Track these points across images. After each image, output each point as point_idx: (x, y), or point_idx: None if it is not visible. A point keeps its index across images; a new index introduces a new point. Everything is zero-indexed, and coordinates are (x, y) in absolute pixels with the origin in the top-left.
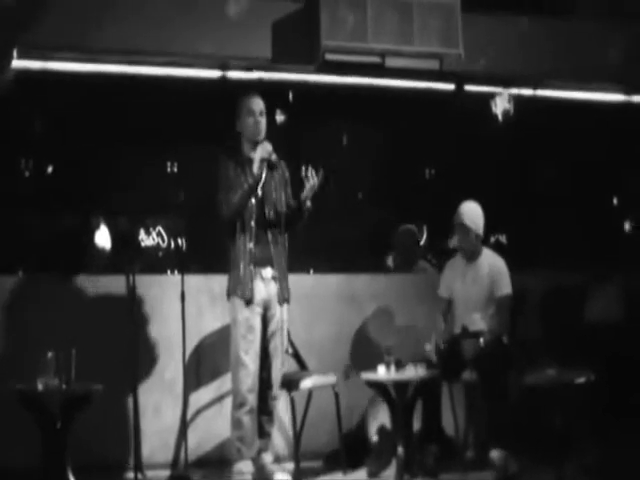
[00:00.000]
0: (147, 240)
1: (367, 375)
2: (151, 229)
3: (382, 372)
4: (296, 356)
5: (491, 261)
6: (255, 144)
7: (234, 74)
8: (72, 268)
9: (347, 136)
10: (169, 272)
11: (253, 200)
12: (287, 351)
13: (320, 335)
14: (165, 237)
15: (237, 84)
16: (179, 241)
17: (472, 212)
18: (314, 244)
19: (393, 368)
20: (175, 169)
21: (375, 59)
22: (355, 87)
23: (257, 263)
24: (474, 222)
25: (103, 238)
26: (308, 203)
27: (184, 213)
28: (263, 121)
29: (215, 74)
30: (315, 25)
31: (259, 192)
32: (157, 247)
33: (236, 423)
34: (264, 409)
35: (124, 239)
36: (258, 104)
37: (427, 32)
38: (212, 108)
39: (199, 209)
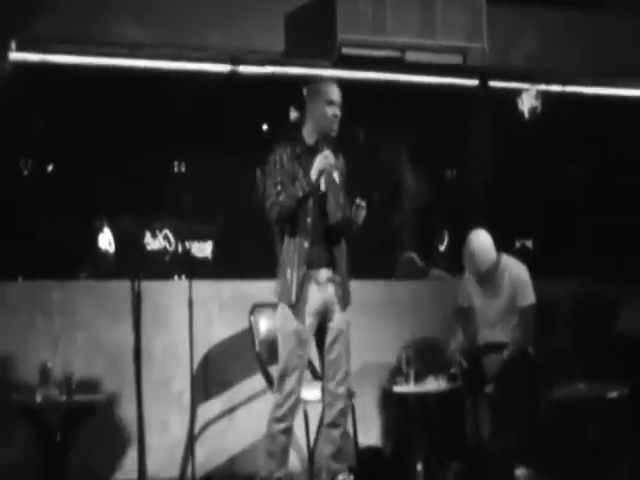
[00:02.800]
0: (153, 244)
1: (385, 387)
2: (157, 232)
3: (401, 384)
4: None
5: (511, 269)
6: (324, 138)
7: (245, 68)
8: (74, 273)
9: (364, 134)
10: (176, 278)
11: (311, 203)
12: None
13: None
14: (172, 240)
15: (248, 79)
16: (187, 245)
17: (483, 251)
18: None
19: (412, 380)
20: (183, 169)
21: (395, 53)
22: (373, 83)
23: (312, 265)
24: (489, 259)
25: (106, 241)
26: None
27: (192, 215)
28: (339, 114)
29: (225, 68)
30: (331, 17)
31: (321, 187)
32: (164, 251)
33: (270, 437)
34: (332, 423)
35: (128, 242)
36: (339, 95)
37: (450, 25)
38: (222, 104)
39: (208, 211)
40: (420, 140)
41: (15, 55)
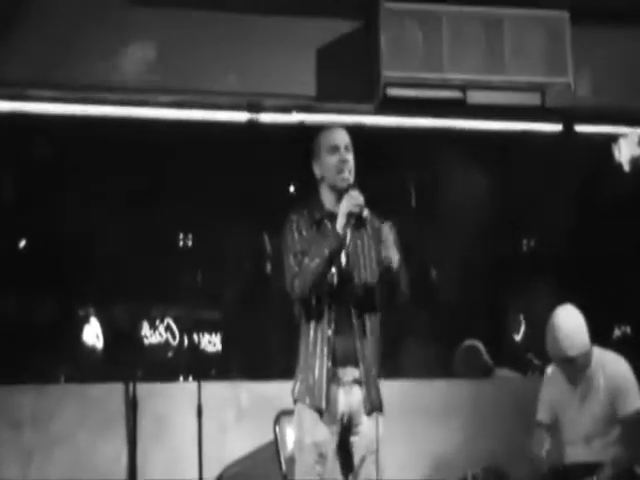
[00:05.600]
0: (152, 337)
1: None
2: (158, 322)
3: None
4: None
5: (609, 366)
6: (341, 193)
7: (267, 117)
8: (52, 376)
9: (416, 193)
10: (181, 378)
11: (333, 269)
12: None
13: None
14: (176, 332)
15: (271, 130)
16: (194, 337)
17: (572, 333)
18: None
19: None
20: (189, 242)
21: (453, 94)
22: (426, 131)
23: (337, 360)
24: (580, 344)
25: (93, 334)
26: (393, 262)
27: (200, 300)
28: (351, 159)
29: (241, 117)
30: (373, 51)
31: (342, 259)
32: (165, 345)
33: None
34: None
35: (122, 336)
36: (343, 137)
37: (523, 56)
38: (238, 161)
39: (220, 295)
40: (487, 200)
41: None
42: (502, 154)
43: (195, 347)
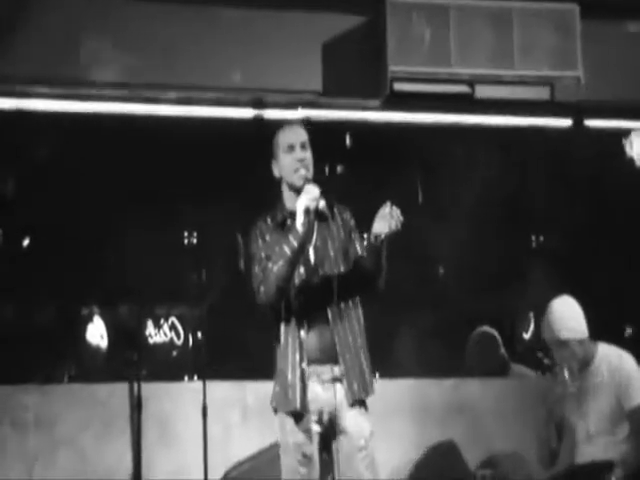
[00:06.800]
0: (157, 336)
1: None
2: (162, 321)
3: None
4: None
5: (613, 361)
6: (300, 192)
7: (272, 113)
8: (54, 375)
9: (423, 191)
10: (186, 378)
11: (302, 269)
12: None
13: (391, 461)
14: (181, 331)
15: (277, 126)
16: (199, 336)
17: (566, 318)
18: (379, 338)
19: None
20: (194, 239)
21: (462, 88)
22: (434, 126)
23: (313, 359)
24: (573, 329)
25: (97, 334)
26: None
27: (206, 299)
28: (308, 156)
29: (247, 113)
30: (380, 45)
31: (311, 255)
32: (170, 345)
33: None
34: None
35: (126, 335)
36: (298, 134)
37: (532, 50)
38: (243, 159)
39: (226, 293)
40: (495, 196)
41: None
42: (511, 149)
43: (200, 346)
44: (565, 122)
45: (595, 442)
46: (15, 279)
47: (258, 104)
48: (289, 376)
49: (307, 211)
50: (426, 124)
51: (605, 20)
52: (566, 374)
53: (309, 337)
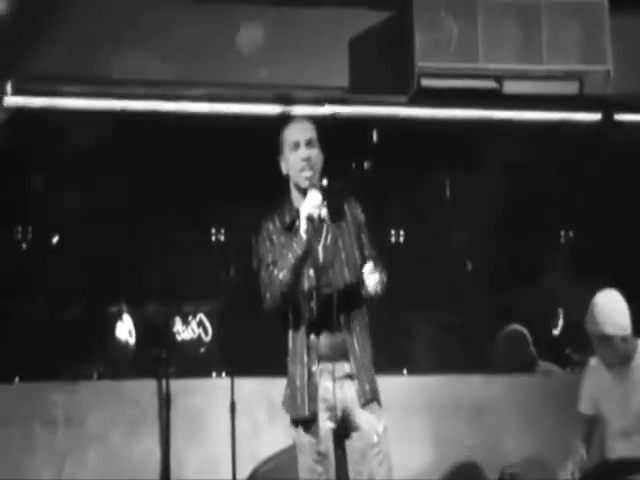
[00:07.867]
0: (185, 333)
1: None
2: (190, 318)
3: None
4: None
5: None
6: (305, 192)
7: (299, 109)
8: (85, 373)
9: (451, 187)
10: (214, 375)
11: (311, 271)
12: None
13: (416, 458)
14: (209, 328)
15: None
16: (227, 333)
17: (612, 312)
18: (407, 335)
19: None
20: (221, 237)
21: (489, 84)
22: (462, 122)
23: (324, 357)
24: (619, 325)
25: (126, 331)
26: (369, 288)
27: (234, 296)
28: (314, 154)
29: (273, 110)
30: (407, 41)
31: (320, 254)
32: (198, 342)
33: None
34: None
35: (154, 332)
36: (304, 131)
37: (561, 44)
38: (270, 155)
39: (254, 290)
40: (524, 192)
41: (12, 100)
42: (539, 144)
43: (228, 343)
44: (594, 116)
45: (631, 439)
46: (44, 277)
47: (285, 100)
48: (297, 382)
49: (310, 218)
50: (454, 120)
51: (634, 14)
52: (570, 467)
53: (319, 338)
